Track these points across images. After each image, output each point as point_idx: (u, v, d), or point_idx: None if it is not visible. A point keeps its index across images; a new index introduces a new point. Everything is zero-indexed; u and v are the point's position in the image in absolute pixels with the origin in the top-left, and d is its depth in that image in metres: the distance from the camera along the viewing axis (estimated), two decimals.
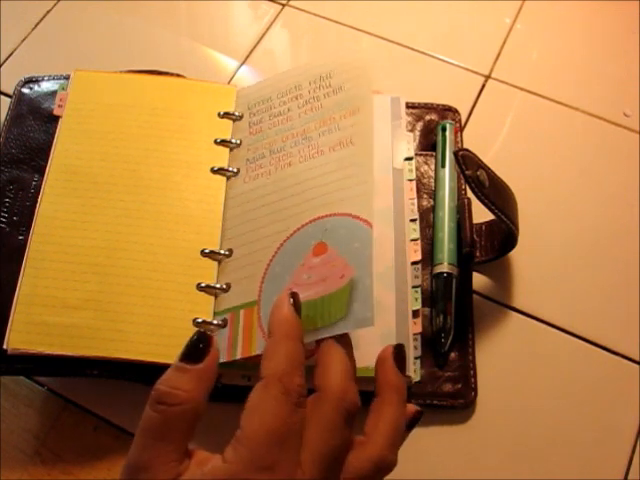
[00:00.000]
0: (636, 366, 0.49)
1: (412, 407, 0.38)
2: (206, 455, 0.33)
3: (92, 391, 0.48)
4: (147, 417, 0.32)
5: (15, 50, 0.63)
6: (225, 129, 0.53)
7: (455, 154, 0.46)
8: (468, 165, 0.46)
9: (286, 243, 0.45)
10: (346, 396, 0.34)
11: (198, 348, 0.34)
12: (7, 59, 0.63)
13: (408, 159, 0.53)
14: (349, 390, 0.34)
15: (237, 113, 0.54)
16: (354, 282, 0.38)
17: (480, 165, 0.48)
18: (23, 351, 0.43)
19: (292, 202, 0.47)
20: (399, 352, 0.37)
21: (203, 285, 0.47)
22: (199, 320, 0.45)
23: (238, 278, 0.47)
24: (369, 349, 0.45)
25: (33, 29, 0.65)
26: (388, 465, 0.35)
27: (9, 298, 0.45)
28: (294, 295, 0.37)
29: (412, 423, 0.38)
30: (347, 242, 0.41)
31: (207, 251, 0.48)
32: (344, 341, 0.37)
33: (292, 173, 0.49)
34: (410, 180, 0.52)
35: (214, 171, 0.51)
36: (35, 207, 0.49)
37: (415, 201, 0.51)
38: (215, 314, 0.46)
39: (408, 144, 0.53)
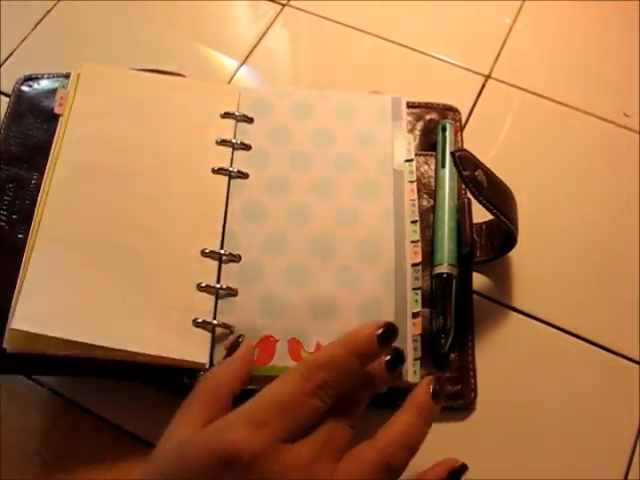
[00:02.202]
0: (636, 366, 0.49)
1: (458, 461, 0.41)
2: None
3: (92, 391, 0.48)
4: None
5: (15, 50, 0.63)
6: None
7: (452, 154, 0.46)
8: (465, 166, 0.46)
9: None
10: (393, 458, 0.36)
11: (233, 347, 0.43)
12: (7, 59, 0.63)
13: (408, 161, 0.53)
14: (398, 456, 0.37)
15: (237, 113, 0.54)
16: None
17: (478, 165, 0.47)
18: (23, 349, 0.43)
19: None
20: (440, 386, 0.40)
21: (203, 285, 0.47)
22: (199, 320, 0.46)
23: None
24: None
25: (33, 29, 0.65)
26: (395, 462, 0.36)
27: (8, 296, 0.44)
28: (388, 326, 0.39)
29: (454, 476, 0.40)
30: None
31: (207, 251, 0.48)
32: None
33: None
34: (411, 182, 0.52)
35: (215, 171, 0.51)
36: (34, 206, 0.48)
37: (416, 202, 0.51)
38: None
39: (408, 145, 0.53)
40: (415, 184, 0.52)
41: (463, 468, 0.40)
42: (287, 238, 0.49)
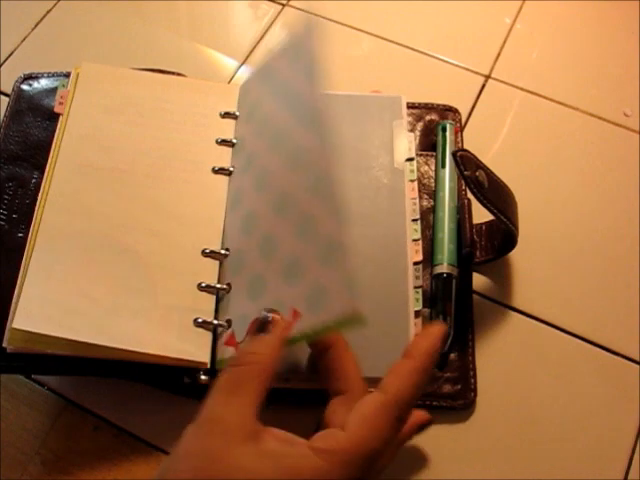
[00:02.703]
0: (636, 366, 0.49)
1: (425, 415, 0.41)
2: (287, 436, 0.35)
3: (92, 391, 0.48)
4: (222, 376, 0.36)
5: (15, 50, 0.63)
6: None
7: (453, 155, 0.46)
8: (467, 166, 0.46)
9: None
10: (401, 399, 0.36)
11: (266, 323, 0.39)
12: (7, 59, 0.63)
13: (409, 160, 0.52)
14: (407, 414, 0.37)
15: (237, 113, 0.54)
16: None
17: (479, 166, 0.48)
18: (23, 349, 0.43)
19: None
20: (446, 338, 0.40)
21: (204, 285, 0.47)
22: (200, 320, 0.45)
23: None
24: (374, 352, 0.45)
25: (33, 29, 0.65)
26: (428, 374, 0.37)
27: (8, 296, 0.45)
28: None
29: (421, 428, 0.41)
30: None
31: (208, 251, 0.48)
32: None
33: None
34: (412, 180, 0.52)
35: (215, 171, 0.51)
36: (35, 205, 0.48)
37: (417, 201, 0.51)
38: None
39: (409, 144, 0.53)
40: (416, 183, 0.52)
41: (429, 422, 0.42)
42: (258, 214, 0.47)
